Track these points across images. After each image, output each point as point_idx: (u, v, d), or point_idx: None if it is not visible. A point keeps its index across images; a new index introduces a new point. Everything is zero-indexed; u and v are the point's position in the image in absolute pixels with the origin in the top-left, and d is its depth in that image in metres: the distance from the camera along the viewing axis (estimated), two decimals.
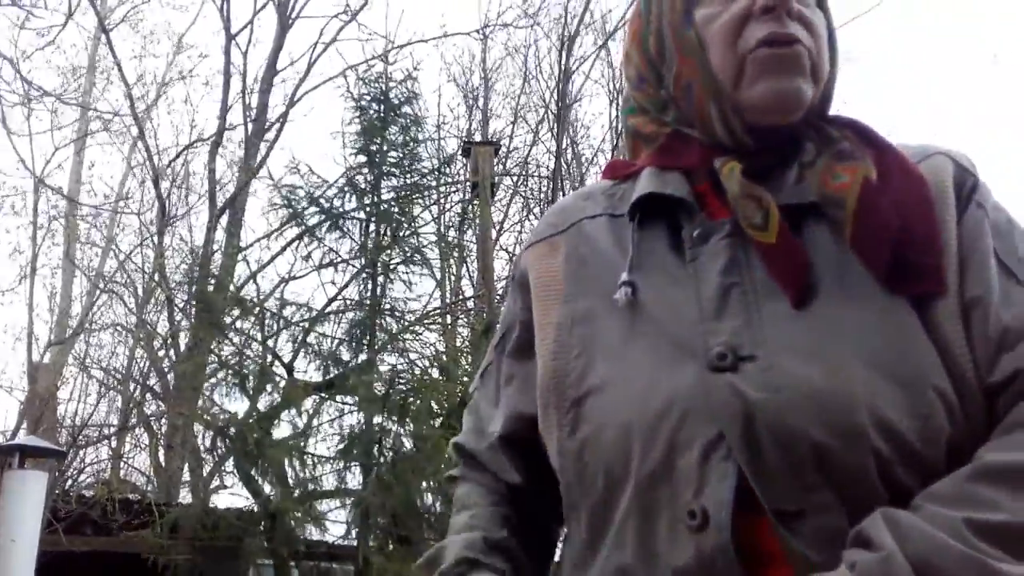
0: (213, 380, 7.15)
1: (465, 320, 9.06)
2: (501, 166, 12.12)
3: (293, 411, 6.77)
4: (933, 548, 0.63)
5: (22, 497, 4.57)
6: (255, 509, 6.52)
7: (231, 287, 8.01)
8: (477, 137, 12.33)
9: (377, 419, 6.56)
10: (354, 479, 6.69)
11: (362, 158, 7.47)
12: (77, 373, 11.32)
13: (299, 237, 7.89)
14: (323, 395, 6.84)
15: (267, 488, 6.52)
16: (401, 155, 7.57)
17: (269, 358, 7.02)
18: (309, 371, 7.10)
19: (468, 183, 9.15)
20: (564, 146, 12.12)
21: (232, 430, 6.53)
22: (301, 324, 7.13)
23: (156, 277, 10.06)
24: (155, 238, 10.73)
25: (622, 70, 1.01)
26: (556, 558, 0.92)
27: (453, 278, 10.36)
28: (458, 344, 7.98)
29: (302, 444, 6.67)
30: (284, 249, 9.10)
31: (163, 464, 10.00)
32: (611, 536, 0.76)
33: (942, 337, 0.72)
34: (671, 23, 0.86)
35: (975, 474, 0.67)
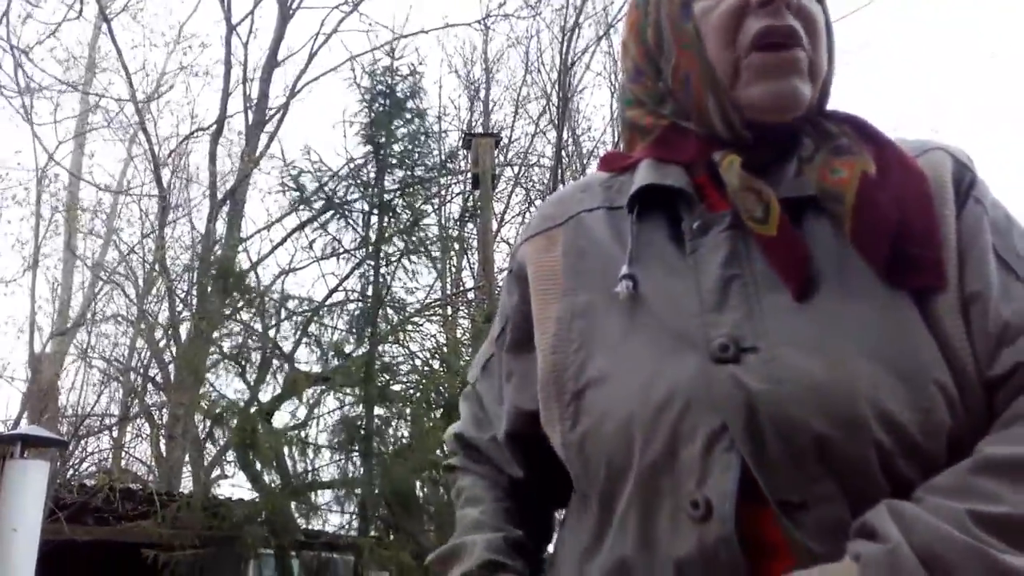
0: (214, 370, 7.17)
1: (466, 312, 9.06)
2: (502, 157, 12.11)
3: (295, 401, 6.79)
4: (938, 539, 0.63)
5: (24, 486, 4.60)
6: (256, 499, 6.54)
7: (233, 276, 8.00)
8: (478, 128, 12.31)
9: (378, 410, 6.58)
10: (355, 471, 6.71)
11: (366, 148, 7.49)
12: (79, 363, 11.36)
13: (300, 227, 7.89)
14: (322, 388, 6.85)
15: (266, 478, 6.54)
16: (405, 148, 7.58)
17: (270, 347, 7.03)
18: (310, 363, 7.12)
19: (469, 174, 9.14)
20: (565, 137, 12.10)
21: (234, 421, 6.55)
22: (303, 314, 7.13)
23: (157, 268, 10.07)
24: (156, 228, 10.74)
25: (619, 61, 1.00)
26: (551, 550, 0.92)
27: (454, 270, 10.36)
28: (459, 336, 7.98)
29: (303, 435, 6.68)
30: (285, 239, 9.11)
31: (164, 454, 10.03)
32: (615, 527, 0.76)
33: (942, 331, 0.72)
34: (669, 15, 0.86)
35: (976, 467, 0.67)
